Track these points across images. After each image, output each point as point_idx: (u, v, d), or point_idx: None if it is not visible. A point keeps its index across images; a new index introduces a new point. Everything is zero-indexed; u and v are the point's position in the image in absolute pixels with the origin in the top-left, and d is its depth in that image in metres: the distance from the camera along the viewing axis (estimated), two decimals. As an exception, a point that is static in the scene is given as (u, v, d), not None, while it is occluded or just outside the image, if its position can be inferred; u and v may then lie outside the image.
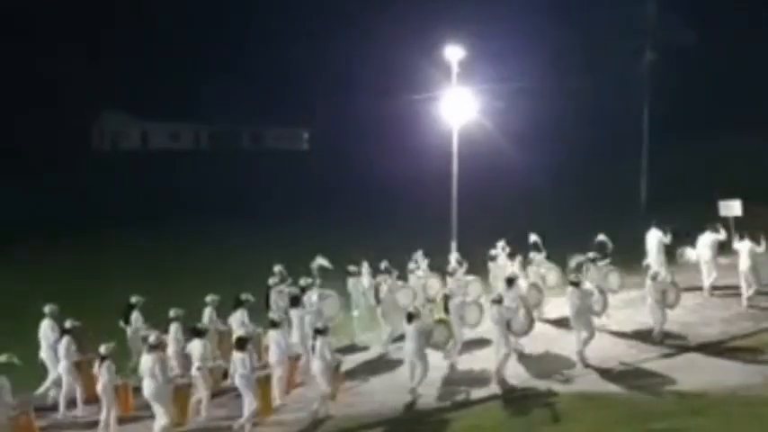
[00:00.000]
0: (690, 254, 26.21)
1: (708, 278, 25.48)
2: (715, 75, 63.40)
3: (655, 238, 26.23)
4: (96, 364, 17.12)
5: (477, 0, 64.95)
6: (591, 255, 24.10)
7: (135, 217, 47.71)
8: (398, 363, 20.15)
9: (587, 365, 19.65)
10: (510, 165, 54.87)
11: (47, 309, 19.52)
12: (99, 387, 17.03)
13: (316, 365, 17.59)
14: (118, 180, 62.48)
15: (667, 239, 26.02)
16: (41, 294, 21.86)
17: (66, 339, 18.44)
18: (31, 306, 21.00)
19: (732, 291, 24.87)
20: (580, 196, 48.23)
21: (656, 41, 45.80)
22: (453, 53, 29.56)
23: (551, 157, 57.14)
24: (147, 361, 16.42)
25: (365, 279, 23.61)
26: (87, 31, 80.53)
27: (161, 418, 16.29)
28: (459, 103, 29.85)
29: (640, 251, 26.59)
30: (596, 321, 20.77)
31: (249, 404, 16.74)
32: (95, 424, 17.25)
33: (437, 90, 31.45)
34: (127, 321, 20.21)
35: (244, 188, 57.85)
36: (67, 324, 18.67)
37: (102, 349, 17.12)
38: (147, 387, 16.35)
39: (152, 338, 16.86)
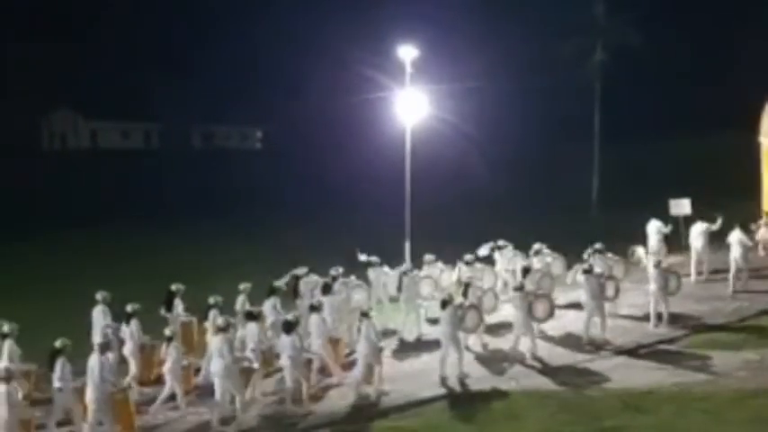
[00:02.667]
0: (640, 253, 26.65)
1: (697, 265, 26.52)
2: (664, 75, 64.29)
3: (654, 228, 27.30)
4: (163, 346, 18.10)
5: (431, 0, 65.08)
6: (597, 246, 24.69)
7: (85, 216, 47.17)
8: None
9: (598, 347, 20.69)
10: (462, 164, 55.13)
11: (99, 296, 20.29)
12: (165, 367, 17.88)
13: (361, 347, 18.39)
14: (68, 179, 61.68)
15: (666, 230, 27.31)
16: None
17: (133, 322, 19.28)
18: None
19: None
20: (531, 195, 48.60)
21: (606, 42, 46.22)
22: (406, 53, 29.66)
23: (503, 156, 57.46)
24: (215, 342, 17.34)
25: (387, 269, 24.50)
26: (35, 29, 79.37)
27: (238, 394, 17.17)
28: (412, 103, 29.94)
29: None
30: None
31: (294, 383, 17.72)
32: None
33: (391, 90, 31.53)
34: (169, 308, 20.88)
35: (196, 187, 57.41)
36: (129, 308, 19.47)
37: (168, 331, 18.33)
38: (215, 366, 17.09)
39: (220, 321, 17.86)
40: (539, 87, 60.28)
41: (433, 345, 20.83)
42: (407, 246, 28.36)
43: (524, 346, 20.46)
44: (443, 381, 18.96)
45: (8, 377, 15.52)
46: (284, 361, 17.87)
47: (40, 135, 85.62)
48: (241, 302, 21.14)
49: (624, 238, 27.89)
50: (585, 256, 24.19)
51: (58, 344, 16.66)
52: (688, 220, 28.37)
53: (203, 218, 46.57)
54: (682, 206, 30.28)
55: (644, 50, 49.16)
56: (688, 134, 57.09)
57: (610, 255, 24.99)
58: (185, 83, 72.52)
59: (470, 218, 39.08)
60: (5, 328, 18.34)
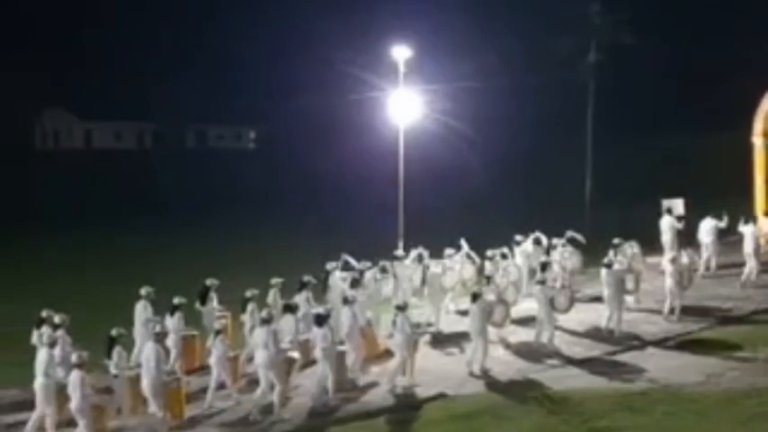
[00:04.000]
0: (629, 252, 26.71)
1: (706, 260, 27.02)
2: (658, 74, 64.38)
3: (668, 224, 27.74)
4: (210, 338, 18.81)
5: (424, 0, 65.06)
6: (615, 241, 24.92)
7: (77, 216, 47.13)
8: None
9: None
10: (456, 164, 55.12)
11: (143, 291, 20.59)
12: (212, 359, 18.24)
13: (397, 339, 18.88)
14: (61, 180, 61.57)
15: (680, 225, 27.87)
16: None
17: (177, 315, 19.92)
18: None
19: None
20: (525, 195, 48.60)
21: (600, 41, 46.21)
22: (400, 53, 29.66)
23: (497, 156, 57.46)
24: (260, 334, 17.78)
25: (410, 263, 24.75)
26: (29, 29, 79.22)
27: (279, 384, 17.58)
28: (405, 103, 29.94)
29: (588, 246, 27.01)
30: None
31: (323, 374, 18.13)
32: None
33: (384, 90, 31.55)
34: (203, 303, 21.26)
35: (189, 187, 57.35)
36: (176, 301, 20.12)
37: (217, 324, 19.14)
38: (260, 357, 17.62)
39: (264, 314, 18.42)
40: (532, 86, 60.29)
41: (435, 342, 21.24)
42: (401, 245, 28.35)
43: (545, 338, 20.97)
44: (472, 373, 19.48)
45: (81, 363, 16.02)
46: (317, 353, 18.39)
47: (33, 135, 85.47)
48: (272, 296, 21.62)
49: (618, 236, 27.85)
50: (559, 243, 25.05)
51: (113, 333, 17.50)
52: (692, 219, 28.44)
53: (197, 217, 46.54)
54: (675, 206, 30.29)
55: (638, 50, 49.18)
56: (681, 134, 57.13)
57: (631, 249, 25.25)
58: (179, 83, 72.40)
59: (464, 217, 39.07)
60: (57, 318, 18.71)
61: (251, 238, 40.01)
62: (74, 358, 16.15)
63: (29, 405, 17.25)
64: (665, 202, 30.23)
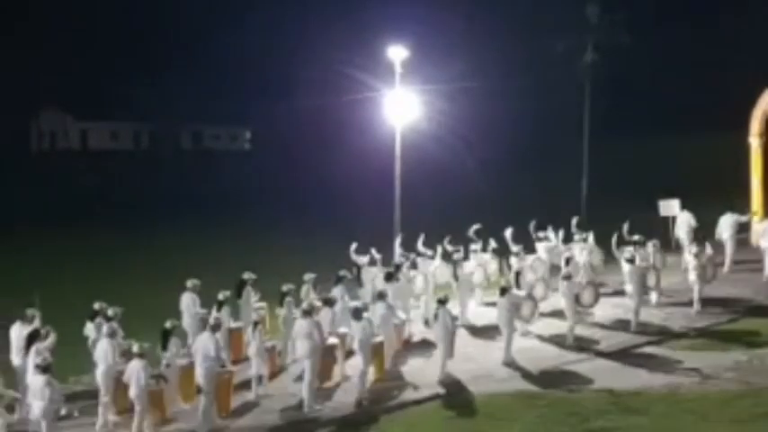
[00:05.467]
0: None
1: (728, 255, 27.43)
2: (654, 75, 64.46)
3: (685, 221, 28.20)
4: (249, 330, 19.25)
5: (420, 0, 65.08)
6: (636, 238, 25.29)
7: (73, 217, 47.05)
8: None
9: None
10: (452, 164, 55.11)
11: (189, 283, 21.31)
12: (251, 350, 18.77)
13: (438, 331, 19.31)
14: (57, 180, 61.49)
15: (695, 223, 28.19)
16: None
17: (224, 309, 20.52)
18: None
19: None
20: (521, 195, 48.56)
21: (597, 41, 46.22)
22: (396, 53, 29.61)
23: (493, 156, 57.46)
24: (303, 325, 18.30)
25: (438, 260, 25.16)
26: (23, 29, 79.01)
27: (308, 374, 17.98)
28: (401, 103, 29.90)
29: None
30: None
31: (363, 366, 18.42)
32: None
33: (380, 90, 31.49)
34: (239, 296, 21.70)
35: (185, 187, 57.33)
36: (221, 296, 20.70)
37: (255, 316, 20.32)
38: (302, 347, 18.15)
39: (305, 305, 19.12)
40: (529, 87, 60.35)
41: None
42: (397, 244, 28.29)
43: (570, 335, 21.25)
44: (509, 365, 19.89)
45: (142, 353, 16.72)
46: (355, 345, 18.73)
47: (28, 136, 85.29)
48: (305, 291, 22.01)
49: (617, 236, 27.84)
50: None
51: (167, 325, 18.20)
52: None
53: (192, 217, 46.47)
54: (671, 207, 30.31)
55: (634, 50, 49.21)
56: (677, 134, 57.19)
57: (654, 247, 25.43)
58: (175, 84, 72.31)
59: (462, 217, 38.98)
60: (110, 311, 19.15)
61: (240, 238, 39.94)
62: (135, 348, 16.87)
63: (88, 395, 18.37)
64: (662, 204, 30.26)
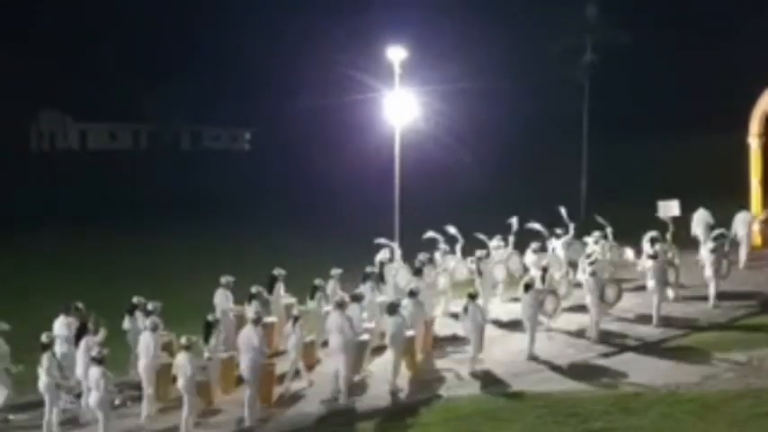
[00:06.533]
0: (629, 254, 26.90)
1: (743, 252, 27.84)
2: (653, 75, 64.46)
3: (702, 218, 28.51)
4: (288, 324, 19.68)
5: (419, 1, 65.10)
6: (654, 234, 25.76)
7: (73, 217, 47.07)
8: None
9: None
10: (452, 165, 55.11)
11: (223, 280, 21.99)
12: (289, 344, 19.29)
13: (468, 325, 19.72)
14: (56, 180, 61.50)
15: (712, 220, 28.44)
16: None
17: (254, 303, 21.07)
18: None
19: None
20: (520, 196, 48.55)
21: (596, 42, 46.27)
22: (395, 54, 29.62)
23: (492, 157, 57.47)
24: (335, 319, 18.67)
25: (457, 258, 25.64)
26: (22, 30, 79.05)
27: (343, 369, 18.40)
28: (401, 105, 29.92)
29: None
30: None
31: (395, 361, 18.91)
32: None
33: (380, 91, 31.50)
34: (270, 292, 22.26)
35: (184, 188, 57.33)
36: (254, 290, 21.41)
37: (295, 311, 20.63)
38: (335, 341, 18.53)
39: (338, 298, 19.55)
40: (528, 87, 60.34)
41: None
42: (397, 244, 28.32)
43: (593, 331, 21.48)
44: (532, 358, 20.17)
45: (189, 345, 17.28)
46: (387, 340, 19.18)
47: (28, 136, 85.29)
48: (332, 286, 22.54)
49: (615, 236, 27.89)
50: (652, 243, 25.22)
51: (210, 318, 19.06)
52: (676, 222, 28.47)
53: (190, 219, 46.49)
54: (670, 208, 30.20)
55: (634, 51, 49.26)
56: (676, 135, 57.19)
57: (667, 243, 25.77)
58: (174, 84, 72.29)
59: (460, 217, 39.00)
60: (150, 305, 19.95)
61: (237, 240, 39.98)
62: (183, 340, 17.42)
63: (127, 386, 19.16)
64: (661, 204, 30.20)
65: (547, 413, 17.08)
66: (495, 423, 16.97)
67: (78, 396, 18.59)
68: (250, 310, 20.68)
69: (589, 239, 26.66)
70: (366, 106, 38.79)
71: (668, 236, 26.84)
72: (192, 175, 62.72)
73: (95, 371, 16.50)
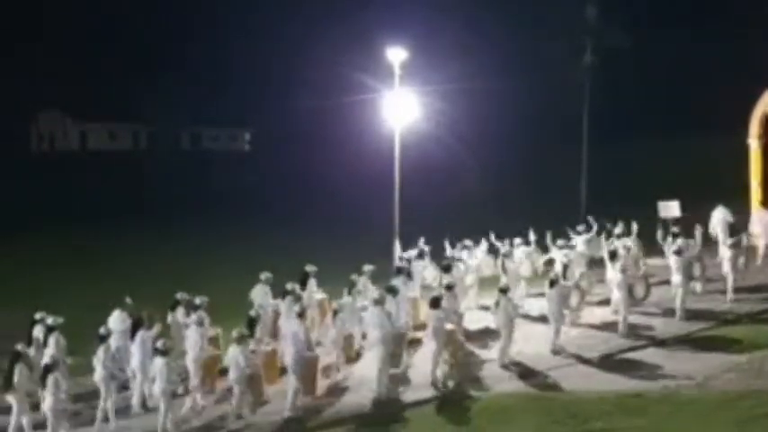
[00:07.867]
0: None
1: (762, 248, 27.99)
2: (654, 77, 64.42)
3: (721, 218, 28.29)
4: (328, 317, 20.67)
5: (420, 1, 65.09)
6: (675, 230, 25.98)
7: (73, 217, 47.12)
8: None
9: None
10: (452, 165, 55.12)
11: (263, 276, 22.74)
12: (329, 337, 20.29)
13: (500, 319, 20.15)
14: (56, 181, 61.50)
15: (731, 218, 28.37)
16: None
17: (288, 298, 21.57)
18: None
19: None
20: (521, 196, 48.60)
21: (596, 43, 46.25)
22: (395, 54, 29.62)
23: (492, 157, 57.47)
24: (374, 314, 19.24)
25: (479, 254, 26.20)
26: (22, 31, 79.08)
27: (379, 362, 18.81)
28: (401, 105, 29.91)
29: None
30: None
31: (436, 353, 19.30)
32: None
33: (380, 91, 31.49)
34: (303, 287, 22.92)
35: (184, 188, 57.33)
36: (288, 286, 22.09)
37: (335, 305, 21.12)
38: (374, 335, 19.04)
39: (377, 294, 20.10)
40: (528, 88, 60.33)
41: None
42: (397, 245, 28.34)
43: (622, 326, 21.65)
44: (556, 352, 20.57)
45: (241, 337, 18.06)
46: (428, 332, 19.65)
47: (28, 137, 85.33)
48: (363, 282, 23.08)
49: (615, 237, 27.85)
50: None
51: (252, 313, 19.86)
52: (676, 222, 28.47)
53: (190, 219, 46.52)
54: (671, 208, 30.26)
55: (634, 52, 49.23)
56: (677, 136, 57.15)
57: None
58: (174, 84, 72.30)
59: (460, 218, 39.07)
60: (197, 300, 20.50)
61: (244, 239, 40.03)
62: (234, 334, 18.23)
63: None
64: (661, 205, 30.23)
65: (547, 413, 17.08)
66: (496, 423, 17.02)
67: (126, 388, 19.42)
68: (284, 305, 21.31)
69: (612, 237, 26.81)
70: (366, 106, 38.76)
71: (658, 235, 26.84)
72: (191, 175, 62.73)
73: (159, 361, 17.38)
